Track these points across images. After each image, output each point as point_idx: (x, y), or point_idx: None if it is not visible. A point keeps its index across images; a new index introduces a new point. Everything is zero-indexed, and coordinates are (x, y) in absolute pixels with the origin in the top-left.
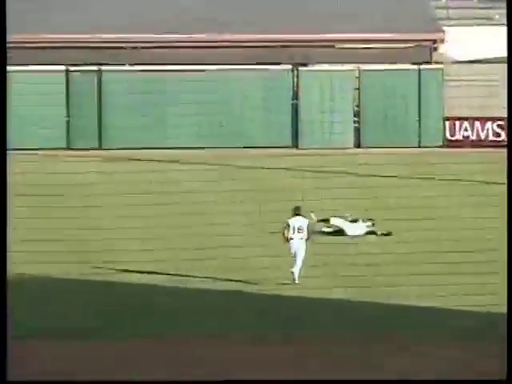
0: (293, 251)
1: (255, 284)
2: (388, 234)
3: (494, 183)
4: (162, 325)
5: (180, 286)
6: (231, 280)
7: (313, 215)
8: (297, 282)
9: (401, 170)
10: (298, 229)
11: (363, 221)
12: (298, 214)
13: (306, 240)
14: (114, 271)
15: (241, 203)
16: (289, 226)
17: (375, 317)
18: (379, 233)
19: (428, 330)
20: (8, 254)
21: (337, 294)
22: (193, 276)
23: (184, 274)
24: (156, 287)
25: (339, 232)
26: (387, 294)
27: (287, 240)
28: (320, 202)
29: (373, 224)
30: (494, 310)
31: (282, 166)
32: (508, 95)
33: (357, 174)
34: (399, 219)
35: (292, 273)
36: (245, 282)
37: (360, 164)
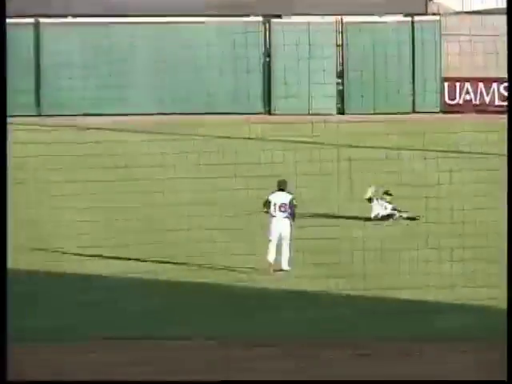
0: (274, 233)
1: (220, 273)
2: (413, 219)
3: (501, 155)
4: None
5: (137, 276)
6: (191, 265)
7: (372, 189)
8: (287, 269)
9: (392, 141)
10: (281, 206)
11: (378, 199)
12: (281, 190)
13: (291, 220)
14: (63, 255)
15: (206, 179)
16: (269, 202)
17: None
18: (405, 216)
19: (414, 329)
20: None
21: (314, 285)
22: (151, 261)
23: (143, 259)
24: (103, 278)
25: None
26: (373, 285)
27: (272, 216)
28: (296, 179)
29: (390, 194)
30: (492, 303)
31: (253, 135)
32: (508, 51)
33: (340, 145)
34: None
35: (270, 263)
36: (208, 270)
37: (344, 133)
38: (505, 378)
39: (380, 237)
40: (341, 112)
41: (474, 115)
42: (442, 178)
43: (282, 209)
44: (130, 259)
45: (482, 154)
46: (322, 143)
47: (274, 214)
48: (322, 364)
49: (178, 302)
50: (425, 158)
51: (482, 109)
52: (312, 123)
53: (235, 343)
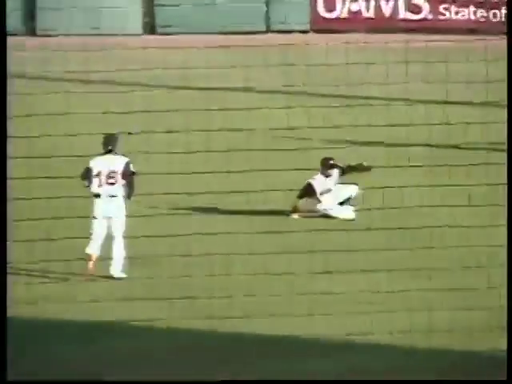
0: (99, 219)
1: None
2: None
3: (416, 101)
4: None
5: None
6: None
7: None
8: (120, 275)
9: (234, 77)
10: (109, 177)
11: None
12: (110, 151)
13: (127, 198)
14: None
15: None
16: (90, 170)
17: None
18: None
19: None
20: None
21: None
22: None
23: None
24: None
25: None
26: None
27: (95, 195)
28: (81, 138)
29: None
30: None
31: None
32: None
33: (148, 86)
34: (242, 171)
35: (89, 255)
36: None
37: (158, 66)
38: (505, 378)
39: (248, 234)
40: (151, 30)
41: (367, 36)
42: (324, 135)
43: (112, 180)
44: None
45: (383, 99)
46: (125, 84)
47: (98, 190)
48: None
49: None
50: (293, 106)
51: (378, 26)
52: (104, 50)
53: None
